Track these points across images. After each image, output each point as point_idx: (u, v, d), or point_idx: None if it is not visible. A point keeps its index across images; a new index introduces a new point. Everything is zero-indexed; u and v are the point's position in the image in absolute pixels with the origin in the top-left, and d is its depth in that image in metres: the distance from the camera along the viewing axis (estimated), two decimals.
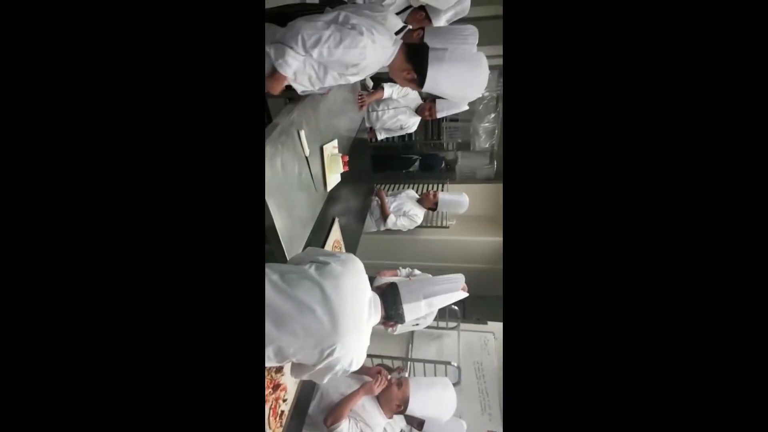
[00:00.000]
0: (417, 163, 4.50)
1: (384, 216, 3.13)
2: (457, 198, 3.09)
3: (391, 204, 3.19)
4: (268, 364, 1.02)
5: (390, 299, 1.12)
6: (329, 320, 0.98)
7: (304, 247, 1.86)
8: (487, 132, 3.96)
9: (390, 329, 1.50)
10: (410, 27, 1.70)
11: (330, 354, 0.99)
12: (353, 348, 1.02)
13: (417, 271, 2.84)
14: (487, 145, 4.05)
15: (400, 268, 2.91)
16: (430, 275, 2.25)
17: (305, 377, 1.12)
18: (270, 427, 1.47)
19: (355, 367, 1.06)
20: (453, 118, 4.23)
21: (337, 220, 2.38)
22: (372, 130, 3.02)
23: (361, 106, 2.68)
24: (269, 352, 0.97)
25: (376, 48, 1.30)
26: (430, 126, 4.26)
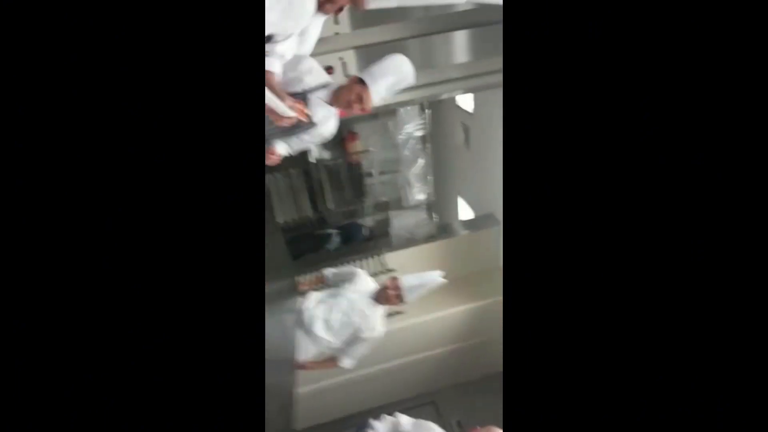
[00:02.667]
0: (336, 238, 3.51)
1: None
2: (426, 278, 2.13)
3: (325, 308, 2.11)
4: None
5: None
6: None
7: None
8: (420, 180, 3.16)
9: None
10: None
11: None
12: None
13: None
14: (422, 197, 3.24)
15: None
16: None
17: None
18: None
19: None
20: (368, 173, 3.43)
21: None
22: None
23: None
24: None
25: None
26: (345, 187, 3.35)
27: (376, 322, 2.13)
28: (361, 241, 3.58)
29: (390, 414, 1.81)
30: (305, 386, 1.92)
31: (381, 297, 2.11)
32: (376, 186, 3.46)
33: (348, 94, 1.60)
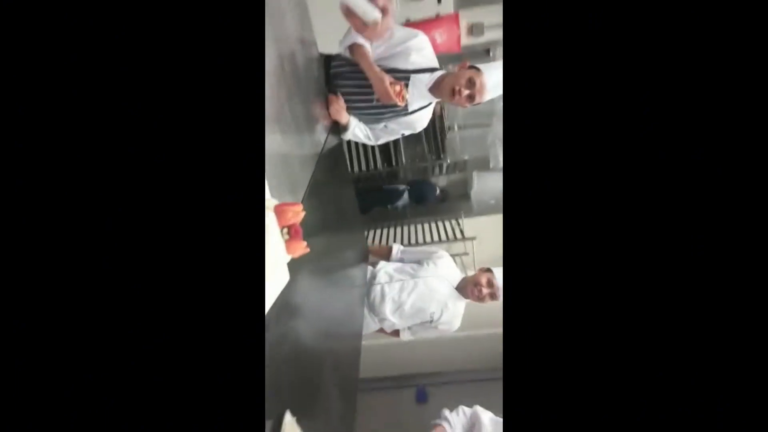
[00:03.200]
0: (405, 195, 3.19)
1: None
2: None
3: (399, 288, 1.76)
4: None
5: None
6: None
7: None
8: None
9: None
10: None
11: None
12: None
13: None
14: None
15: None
16: None
17: None
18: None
19: None
20: (449, 126, 3.01)
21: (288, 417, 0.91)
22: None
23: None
24: None
25: None
26: (422, 139, 2.97)
27: (458, 318, 1.76)
28: (433, 202, 3.25)
29: (455, 382, 1.52)
30: (367, 340, 1.67)
31: (469, 292, 1.72)
32: (458, 141, 3.04)
33: (457, 79, 1.32)
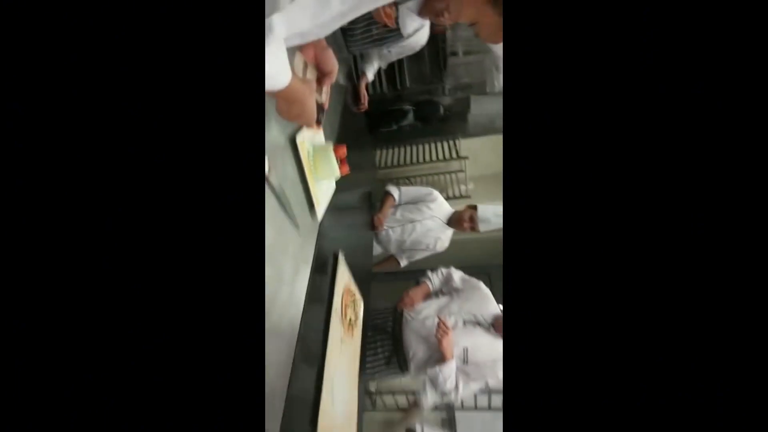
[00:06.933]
0: (411, 115, 3.50)
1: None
2: (501, 206, 2.20)
3: (399, 216, 2.31)
4: None
5: None
6: None
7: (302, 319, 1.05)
8: None
9: None
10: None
11: None
12: None
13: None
14: None
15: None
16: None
17: None
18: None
19: None
20: (454, 52, 3.21)
21: (341, 255, 1.45)
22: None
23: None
24: None
25: None
26: (426, 63, 3.20)
27: (447, 242, 2.33)
28: (438, 121, 3.55)
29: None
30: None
31: (455, 222, 2.26)
32: (460, 67, 3.27)
33: (438, 1, 1.46)
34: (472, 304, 1.87)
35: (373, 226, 2.23)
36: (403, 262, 2.42)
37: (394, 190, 2.37)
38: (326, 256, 1.31)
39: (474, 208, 2.22)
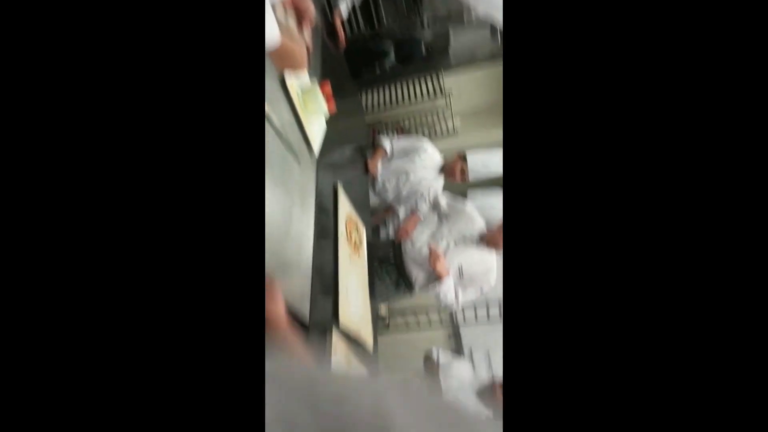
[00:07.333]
0: (392, 54, 3.46)
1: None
2: (492, 164, 2.29)
3: (396, 182, 2.41)
4: None
5: None
6: None
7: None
8: None
9: None
10: None
11: None
12: None
13: None
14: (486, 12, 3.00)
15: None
16: None
17: None
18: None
19: None
20: None
21: (340, 186, 1.56)
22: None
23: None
24: None
25: None
26: None
27: (438, 188, 2.44)
28: (420, 60, 3.52)
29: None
30: None
31: (446, 172, 2.36)
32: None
33: None
34: (460, 225, 2.07)
35: (366, 170, 2.33)
36: (401, 212, 2.54)
37: (386, 143, 2.44)
38: (327, 189, 1.43)
39: (463, 158, 2.32)
